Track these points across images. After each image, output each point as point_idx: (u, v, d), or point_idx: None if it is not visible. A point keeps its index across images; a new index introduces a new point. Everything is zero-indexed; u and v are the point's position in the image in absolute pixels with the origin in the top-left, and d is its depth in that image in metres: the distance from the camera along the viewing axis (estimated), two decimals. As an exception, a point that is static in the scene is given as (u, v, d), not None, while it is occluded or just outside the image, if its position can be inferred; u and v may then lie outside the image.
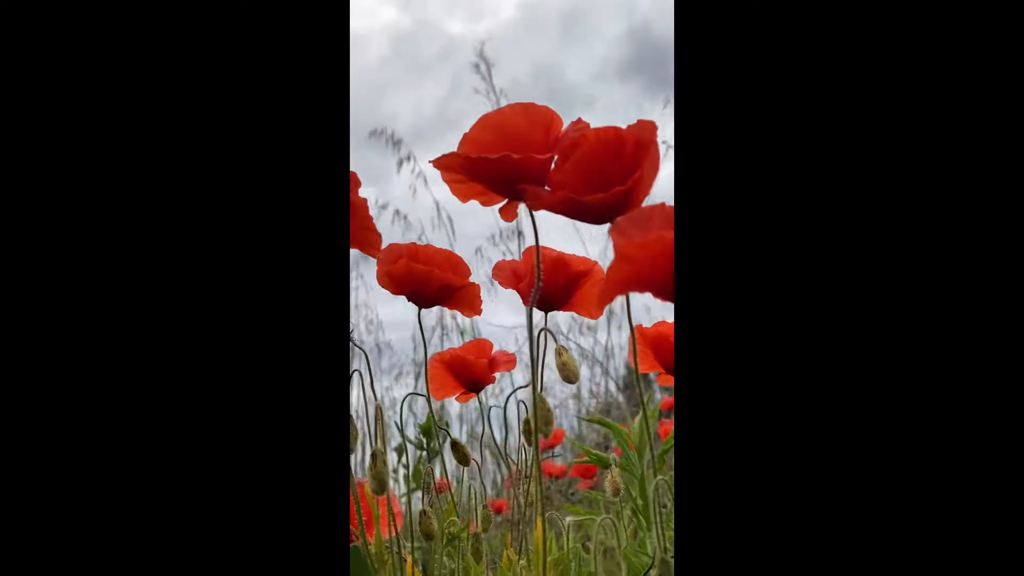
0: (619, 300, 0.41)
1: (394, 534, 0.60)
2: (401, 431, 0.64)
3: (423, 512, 0.61)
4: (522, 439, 0.69)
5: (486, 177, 0.45)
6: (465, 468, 0.65)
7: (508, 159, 0.43)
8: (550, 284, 0.65)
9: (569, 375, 0.56)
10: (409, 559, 0.57)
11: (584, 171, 0.42)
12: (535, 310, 0.64)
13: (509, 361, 0.77)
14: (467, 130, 0.46)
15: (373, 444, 0.49)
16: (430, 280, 0.61)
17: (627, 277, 0.36)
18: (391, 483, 0.66)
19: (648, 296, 0.38)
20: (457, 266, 0.62)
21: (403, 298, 0.62)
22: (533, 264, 0.65)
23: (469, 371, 0.80)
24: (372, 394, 0.50)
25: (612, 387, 2.45)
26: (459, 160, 0.44)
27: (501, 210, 0.50)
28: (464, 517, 0.59)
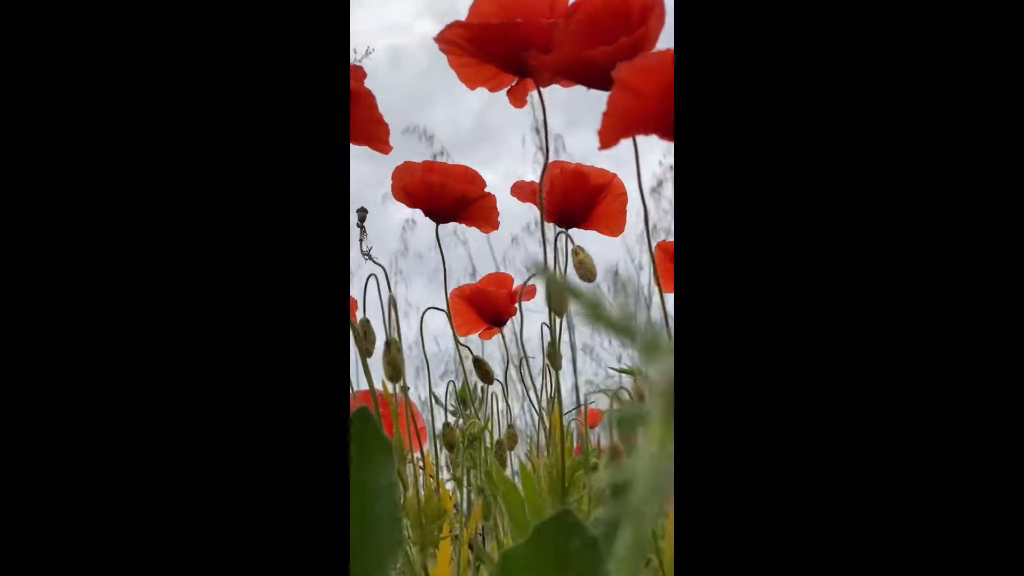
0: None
1: (416, 450, 0.60)
2: (425, 356, 0.64)
3: (446, 424, 0.61)
4: (546, 361, 0.68)
5: (492, 50, 0.45)
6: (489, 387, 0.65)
7: (512, 25, 0.42)
8: (568, 199, 0.64)
9: (586, 273, 0.55)
10: (430, 462, 0.57)
11: (589, 31, 0.41)
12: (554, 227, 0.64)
13: (529, 291, 0.77)
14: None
15: (388, 335, 0.49)
16: (445, 191, 0.60)
17: (629, 111, 0.36)
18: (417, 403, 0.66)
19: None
20: (473, 178, 0.62)
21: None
22: (551, 179, 0.64)
23: (491, 304, 0.80)
24: (388, 287, 0.50)
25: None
26: (463, 31, 0.44)
27: (509, 93, 0.49)
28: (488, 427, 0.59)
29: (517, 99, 0.49)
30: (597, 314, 0.16)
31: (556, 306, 0.47)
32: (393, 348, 0.48)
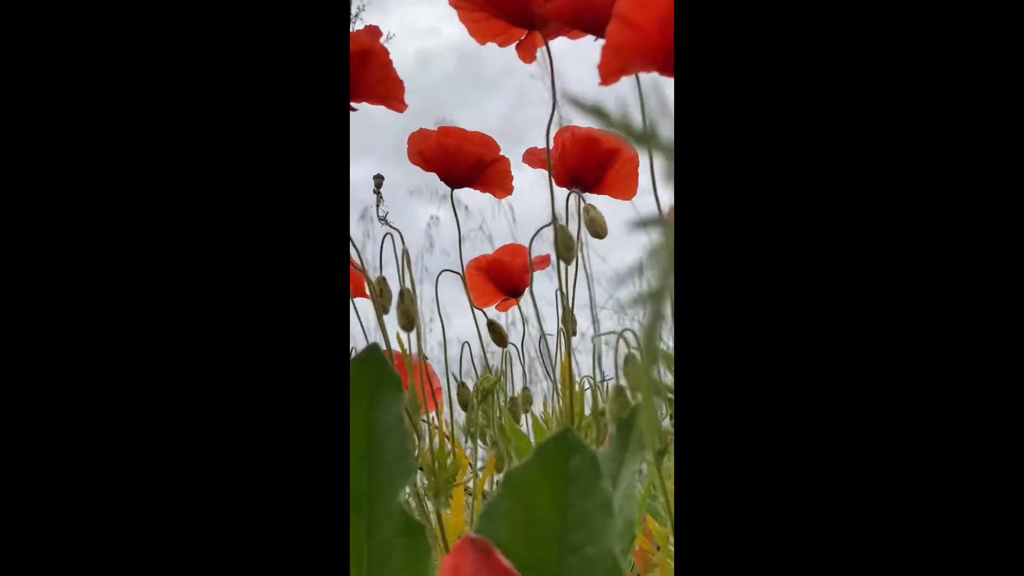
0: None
1: (431, 410, 0.61)
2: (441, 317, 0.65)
3: (460, 383, 0.62)
4: (560, 327, 0.69)
5: (500, 2, 0.46)
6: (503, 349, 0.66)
7: (518, -26, 0.43)
8: (579, 163, 0.65)
9: (598, 230, 0.56)
10: (445, 419, 0.58)
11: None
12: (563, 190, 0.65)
13: (543, 260, 0.77)
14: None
15: (401, 285, 0.50)
16: (461, 154, 0.62)
17: (628, 44, 0.36)
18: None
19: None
20: (487, 143, 0.63)
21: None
22: (562, 143, 0.65)
23: (507, 275, 0.81)
24: (400, 240, 0.51)
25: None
26: (472, -19, 0.45)
27: (519, 48, 0.50)
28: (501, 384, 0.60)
29: (526, 54, 0.50)
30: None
31: (564, 254, 0.48)
32: (407, 298, 0.49)
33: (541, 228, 0.53)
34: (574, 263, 0.56)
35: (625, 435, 0.41)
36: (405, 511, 0.38)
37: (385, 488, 0.39)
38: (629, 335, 0.43)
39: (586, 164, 0.65)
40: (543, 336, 0.78)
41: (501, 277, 0.81)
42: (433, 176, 0.64)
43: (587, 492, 0.33)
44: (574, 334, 0.58)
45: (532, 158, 0.67)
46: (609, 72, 0.38)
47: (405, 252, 0.50)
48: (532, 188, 0.60)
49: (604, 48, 0.36)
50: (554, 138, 0.67)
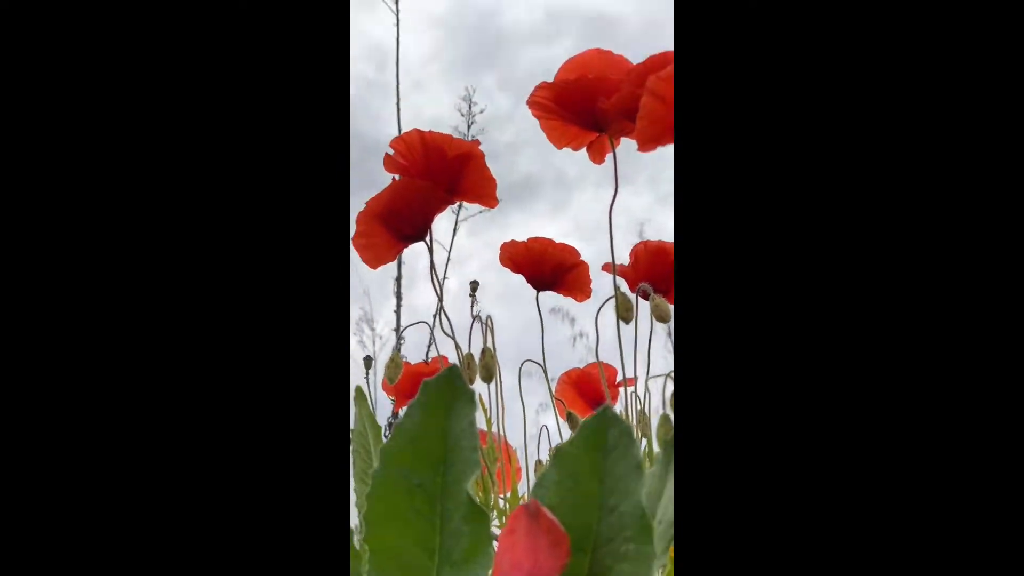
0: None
1: (508, 490, 0.67)
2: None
3: (538, 462, 0.68)
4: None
5: (572, 106, 0.56)
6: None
7: (587, 80, 0.54)
8: (651, 273, 0.73)
9: (663, 315, 0.63)
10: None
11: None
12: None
13: (631, 381, 0.83)
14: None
15: (484, 344, 0.58)
16: (546, 258, 0.71)
17: (659, 116, 0.45)
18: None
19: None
20: (570, 249, 0.72)
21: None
22: (635, 254, 0.74)
23: (597, 389, 0.87)
24: (489, 320, 0.60)
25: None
26: (548, 91, 0.56)
27: (589, 149, 0.60)
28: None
29: (596, 155, 0.60)
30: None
31: (624, 315, 0.55)
32: (487, 355, 0.57)
33: (607, 300, 0.61)
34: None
35: (669, 454, 0.46)
36: (472, 500, 0.44)
37: (456, 484, 0.45)
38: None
39: (657, 272, 0.73)
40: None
41: (589, 392, 0.87)
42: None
43: (622, 457, 0.39)
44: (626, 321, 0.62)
45: (608, 267, 0.76)
46: (646, 140, 0.46)
47: (489, 317, 0.58)
48: (609, 291, 0.68)
49: (638, 118, 0.45)
50: (630, 252, 0.76)
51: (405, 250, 0.62)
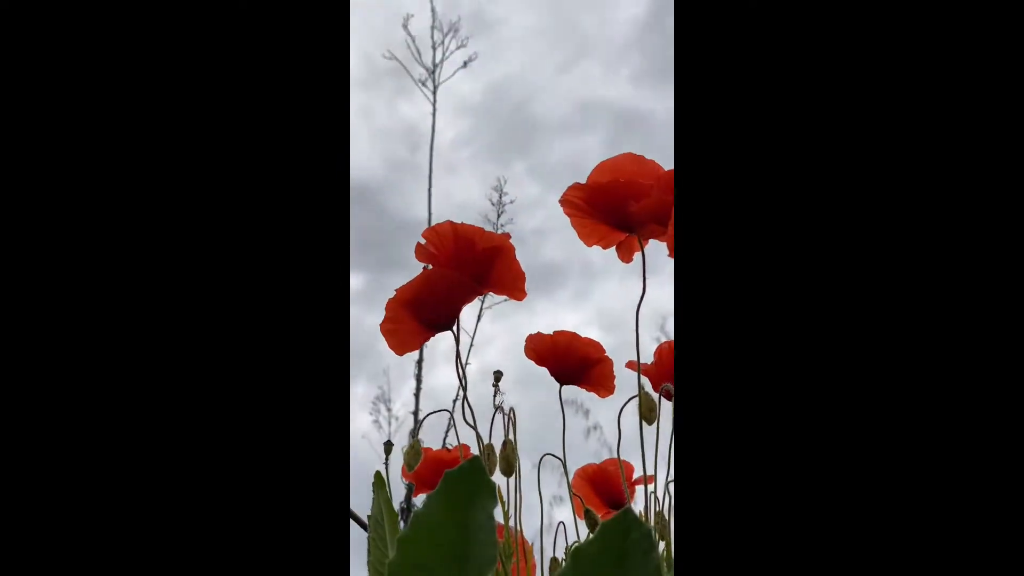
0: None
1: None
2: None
3: (553, 559, 0.67)
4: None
5: (603, 207, 0.57)
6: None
7: (619, 183, 0.55)
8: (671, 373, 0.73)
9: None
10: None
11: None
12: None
13: (649, 479, 0.83)
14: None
15: (505, 437, 0.59)
16: (571, 352, 0.71)
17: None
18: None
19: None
20: (594, 344, 0.73)
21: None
22: (659, 353, 0.74)
23: (613, 486, 0.86)
24: (512, 413, 0.60)
25: None
26: (580, 191, 0.57)
27: (618, 248, 0.61)
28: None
29: (625, 254, 0.61)
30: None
31: (647, 415, 0.55)
32: (508, 447, 0.57)
33: (629, 399, 0.61)
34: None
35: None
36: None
37: (476, 574, 0.45)
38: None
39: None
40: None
41: (605, 488, 0.86)
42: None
43: (642, 563, 0.38)
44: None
45: (632, 365, 0.76)
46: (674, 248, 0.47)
47: (512, 411, 0.59)
48: (628, 390, 0.68)
49: (671, 224, 0.47)
50: (655, 351, 0.76)
51: (459, 341, 0.63)
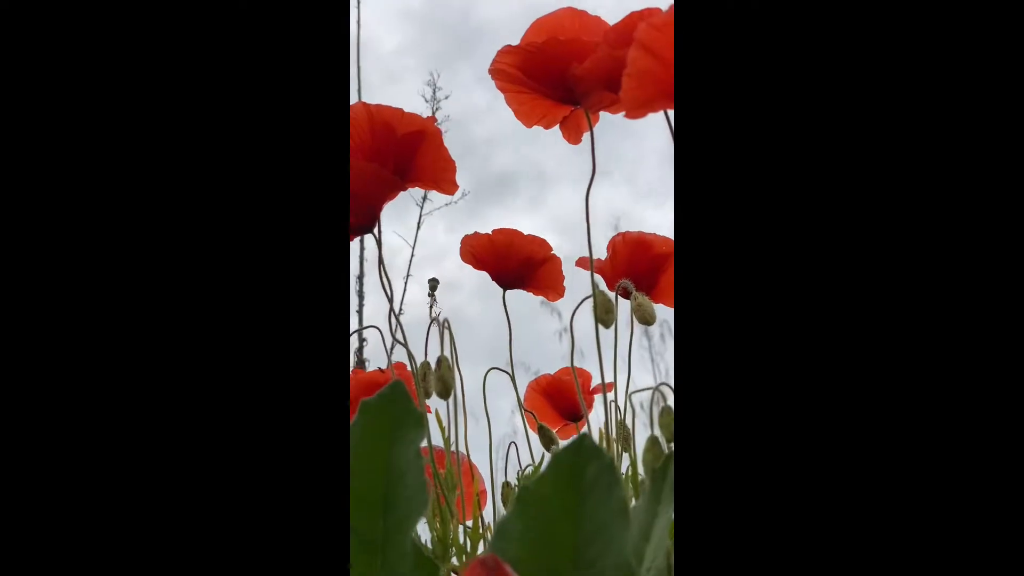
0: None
1: (469, 518, 0.59)
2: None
3: (505, 483, 0.60)
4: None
5: (541, 75, 0.48)
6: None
7: (557, 43, 0.46)
8: (631, 268, 0.65)
9: (646, 316, 0.55)
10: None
11: (626, 37, 0.44)
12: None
13: (609, 386, 0.76)
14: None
15: (440, 354, 0.50)
16: (512, 252, 0.63)
17: (651, 76, 0.37)
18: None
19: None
20: (539, 242, 0.64)
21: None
22: (613, 247, 0.66)
23: (568, 398, 0.79)
24: (448, 325, 0.52)
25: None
26: (513, 56, 0.47)
27: (563, 127, 0.52)
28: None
29: (571, 133, 0.52)
30: None
31: (603, 317, 0.47)
32: (443, 365, 0.49)
33: (583, 300, 0.53)
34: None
35: (659, 485, 0.38)
36: (420, 549, 0.36)
37: (401, 526, 0.37)
38: (665, 388, 0.42)
39: (638, 268, 0.65)
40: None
41: (561, 400, 0.79)
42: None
43: (604, 501, 0.31)
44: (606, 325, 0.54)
45: (585, 263, 0.68)
46: (634, 106, 0.38)
47: (446, 320, 0.50)
48: (586, 290, 0.60)
49: (626, 76, 0.37)
50: (607, 246, 0.68)
51: (381, 245, 0.54)
